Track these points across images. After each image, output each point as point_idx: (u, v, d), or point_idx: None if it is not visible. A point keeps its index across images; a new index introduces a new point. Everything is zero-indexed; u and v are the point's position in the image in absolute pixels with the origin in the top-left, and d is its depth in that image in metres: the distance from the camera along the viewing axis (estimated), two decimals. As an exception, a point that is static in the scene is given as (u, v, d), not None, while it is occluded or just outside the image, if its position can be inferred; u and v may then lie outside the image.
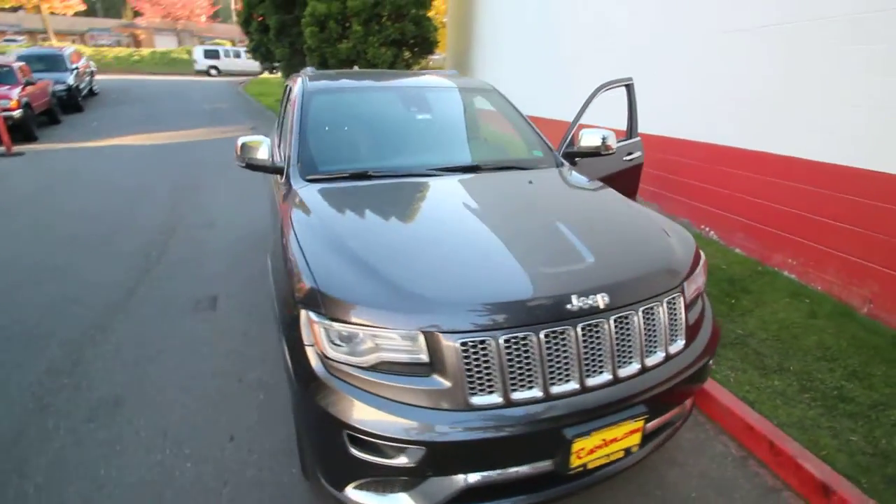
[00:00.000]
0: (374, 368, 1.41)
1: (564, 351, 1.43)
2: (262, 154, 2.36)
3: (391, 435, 1.35)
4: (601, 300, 1.47)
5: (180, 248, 4.56)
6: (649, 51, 5.01)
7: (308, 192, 2.13)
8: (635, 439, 1.54)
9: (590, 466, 1.49)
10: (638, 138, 3.62)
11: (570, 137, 3.08)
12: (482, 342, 1.37)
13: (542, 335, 1.40)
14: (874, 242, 3.07)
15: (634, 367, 1.54)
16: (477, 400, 1.37)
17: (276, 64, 16.03)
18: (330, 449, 1.49)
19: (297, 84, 2.82)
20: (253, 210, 5.55)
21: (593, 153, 2.78)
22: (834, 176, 3.28)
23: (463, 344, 1.36)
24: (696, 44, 4.44)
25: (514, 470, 1.45)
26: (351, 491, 1.53)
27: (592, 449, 1.46)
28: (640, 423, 1.51)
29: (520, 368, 1.40)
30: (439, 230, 1.88)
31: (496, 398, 1.38)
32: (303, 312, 1.49)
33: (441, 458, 1.37)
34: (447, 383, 1.37)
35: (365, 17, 11.12)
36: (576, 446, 1.41)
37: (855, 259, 3.19)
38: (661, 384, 1.56)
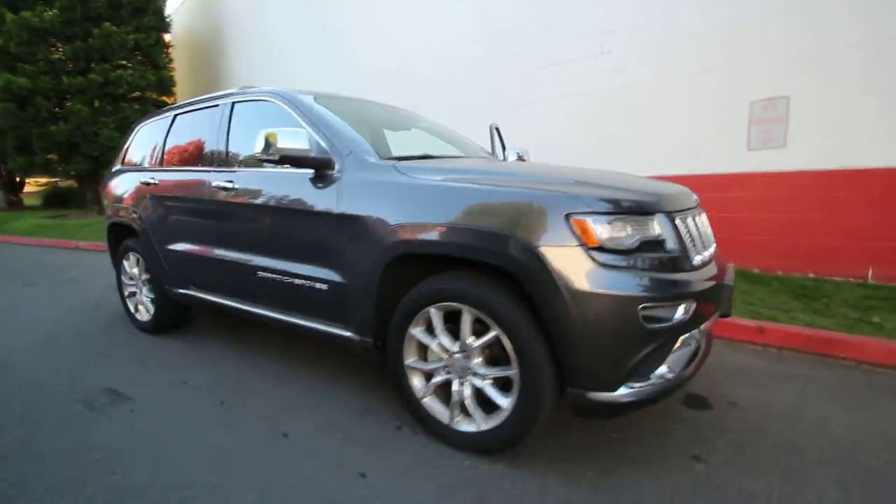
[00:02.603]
0: (636, 249, 1.63)
1: (693, 231, 1.97)
2: (299, 143, 2.11)
3: (677, 291, 1.61)
4: (695, 198, 2.12)
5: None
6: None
7: (413, 163, 2.09)
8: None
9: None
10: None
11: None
12: (675, 221, 1.79)
13: (689, 218, 1.92)
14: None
15: (712, 248, 2.21)
16: (693, 262, 1.77)
17: None
18: (620, 336, 1.57)
19: (277, 97, 2.52)
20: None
21: (516, 166, 3.54)
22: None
23: (677, 221, 1.77)
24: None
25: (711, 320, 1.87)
26: (624, 390, 1.61)
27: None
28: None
29: (691, 241, 1.87)
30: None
31: (699, 260, 1.81)
32: (564, 221, 1.59)
33: (699, 307, 1.68)
34: (679, 250, 1.72)
35: (91, 95, 9.40)
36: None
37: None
38: (723, 263, 2.27)
